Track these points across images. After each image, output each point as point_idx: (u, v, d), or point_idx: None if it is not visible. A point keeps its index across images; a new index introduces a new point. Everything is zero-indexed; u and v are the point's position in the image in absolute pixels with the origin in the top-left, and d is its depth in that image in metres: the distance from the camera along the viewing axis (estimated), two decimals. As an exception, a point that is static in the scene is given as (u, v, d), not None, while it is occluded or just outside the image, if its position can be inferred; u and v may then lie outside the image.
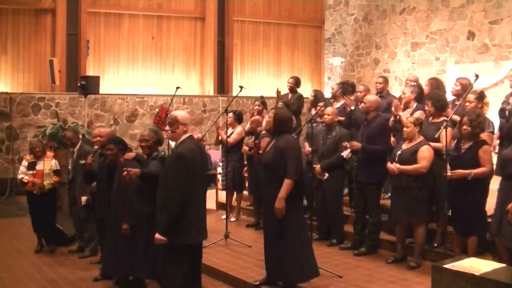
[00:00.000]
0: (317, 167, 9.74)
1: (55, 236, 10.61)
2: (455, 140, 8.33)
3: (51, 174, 10.33)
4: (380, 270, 8.51)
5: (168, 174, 6.45)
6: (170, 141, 7.08)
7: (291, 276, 7.37)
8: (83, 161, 8.97)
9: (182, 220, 6.40)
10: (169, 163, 6.60)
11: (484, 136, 8.15)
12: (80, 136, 10.90)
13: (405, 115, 9.30)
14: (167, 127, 6.74)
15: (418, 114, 9.22)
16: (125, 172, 7.10)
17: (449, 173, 7.83)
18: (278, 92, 13.61)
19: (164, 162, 7.02)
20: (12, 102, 16.51)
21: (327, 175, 9.77)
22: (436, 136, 8.11)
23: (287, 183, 7.19)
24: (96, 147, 8.89)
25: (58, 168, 10.43)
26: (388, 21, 18.16)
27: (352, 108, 10.80)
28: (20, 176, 10.41)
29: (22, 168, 10.47)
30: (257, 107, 12.36)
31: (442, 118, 8.65)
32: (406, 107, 9.90)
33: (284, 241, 7.27)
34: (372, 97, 9.71)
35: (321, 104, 11.46)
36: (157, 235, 6.43)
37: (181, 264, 6.58)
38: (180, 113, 6.82)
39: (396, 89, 16.15)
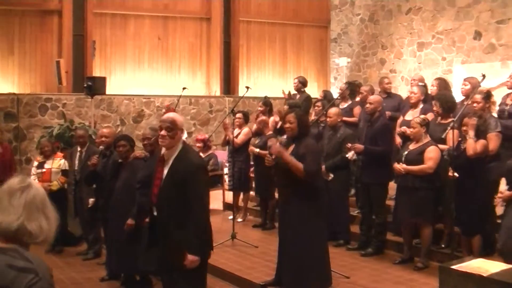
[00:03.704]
0: (322, 167, 9.74)
1: (63, 237, 10.64)
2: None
3: (59, 173, 10.40)
4: (387, 271, 8.51)
5: (191, 188, 5.56)
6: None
7: (309, 284, 7.31)
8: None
9: (205, 233, 5.76)
10: (190, 177, 5.59)
11: (492, 136, 8.14)
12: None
13: (412, 115, 9.29)
14: (163, 132, 5.67)
15: (428, 116, 9.18)
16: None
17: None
18: (289, 93, 13.64)
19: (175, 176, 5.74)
20: (19, 103, 16.53)
21: (331, 175, 9.76)
22: (443, 136, 8.10)
23: (300, 167, 7.11)
24: (101, 147, 8.93)
25: (67, 168, 10.49)
26: (394, 21, 18.12)
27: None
28: (32, 178, 10.48)
29: (33, 170, 10.64)
30: (259, 108, 12.41)
31: (450, 119, 8.62)
32: (413, 107, 9.88)
33: (303, 249, 7.21)
34: (376, 98, 9.70)
35: (318, 104, 11.47)
36: (191, 257, 5.48)
37: (204, 281, 6.01)
38: (178, 116, 5.99)
39: (402, 89, 16.13)
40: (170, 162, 5.72)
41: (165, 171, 5.72)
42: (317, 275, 7.29)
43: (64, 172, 10.49)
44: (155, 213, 5.84)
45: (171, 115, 5.97)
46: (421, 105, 9.81)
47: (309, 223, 7.17)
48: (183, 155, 5.76)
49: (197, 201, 5.62)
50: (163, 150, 5.82)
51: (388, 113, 10.57)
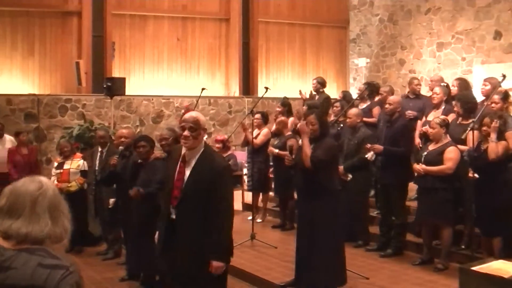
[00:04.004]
0: (340, 168, 9.71)
1: (83, 237, 10.70)
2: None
3: (77, 173, 10.45)
4: (406, 272, 8.48)
5: (218, 190, 5.34)
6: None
7: (325, 283, 7.30)
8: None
9: (230, 238, 5.57)
10: (217, 178, 5.37)
11: (510, 134, 8.07)
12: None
13: (434, 116, 9.24)
14: (186, 132, 5.38)
15: (450, 116, 9.12)
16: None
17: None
18: (310, 92, 13.63)
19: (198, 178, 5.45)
20: (40, 103, 16.64)
21: (350, 176, 9.72)
22: (463, 137, 8.06)
23: (307, 153, 7.18)
24: (121, 147, 8.96)
25: (86, 169, 10.54)
26: (413, 22, 18.05)
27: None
28: (52, 180, 10.59)
29: (52, 170, 10.73)
30: (278, 109, 12.42)
31: (470, 120, 8.55)
32: (435, 107, 9.83)
33: (320, 249, 7.21)
34: (396, 98, 9.67)
35: (337, 105, 11.46)
36: (217, 263, 5.28)
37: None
38: (201, 115, 5.66)
39: (422, 90, 16.00)
40: (193, 163, 5.46)
41: (187, 173, 5.45)
42: (333, 274, 7.30)
43: (83, 173, 10.55)
44: (173, 216, 5.51)
45: (193, 114, 5.66)
46: (443, 106, 9.75)
47: (326, 223, 7.17)
48: (207, 156, 5.52)
49: (224, 203, 5.40)
50: (183, 150, 5.52)
51: (413, 113, 10.53)
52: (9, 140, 12.92)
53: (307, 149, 7.21)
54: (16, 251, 2.72)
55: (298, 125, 8.18)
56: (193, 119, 5.45)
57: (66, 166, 10.54)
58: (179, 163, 5.54)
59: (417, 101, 11.11)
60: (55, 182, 10.47)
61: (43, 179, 2.94)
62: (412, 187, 9.63)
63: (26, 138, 11.85)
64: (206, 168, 5.40)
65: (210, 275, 5.31)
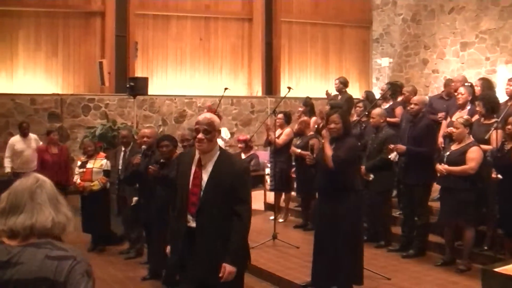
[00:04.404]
0: (362, 168, 9.67)
1: (105, 236, 10.76)
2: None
3: (100, 173, 10.51)
4: (428, 273, 8.42)
5: (239, 193, 5.13)
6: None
7: (343, 283, 7.26)
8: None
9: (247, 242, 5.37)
10: (239, 181, 5.15)
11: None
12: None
13: (459, 116, 9.17)
14: (201, 135, 5.09)
15: (476, 117, 9.05)
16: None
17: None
18: (328, 93, 13.60)
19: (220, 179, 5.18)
20: (63, 103, 16.76)
21: (372, 176, 9.67)
22: (486, 137, 8.00)
23: (328, 154, 7.12)
24: (143, 147, 8.97)
25: (109, 168, 10.59)
26: (437, 21, 17.97)
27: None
28: (75, 178, 10.69)
29: (76, 170, 10.80)
30: (300, 109, 12.39)
31: (493, 120, 8.48)
32: (460, 108, 9.76)
33: (339, 249, 7.17)
34: (420, 98, 9.61)
35: (360, 105, 11.44)
36: (229, 267, 5.01)
37: None
38: (215, 117, 5.37)
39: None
40: (210, 167, 5.17)
41: (205, 178, 5.16)
42: (352, 274, 7.25)
43: (105, 173, 10.60)
44: (192, 224, 5.19)
45: (207, 115, 5.34)
46: (468, 106, 9.67)
47: (347, 223, 7.12)
48: (225, 158, 5.27)
49: (245, 206, 5.18)
50: (197, 155, 5.24)
51: (442, 114, 10.49)
52: (34, 139, 13.02)
53: (328, 151, 7.18)
54: (22, 247, 2.77)
55: (312, 147, 8.13)
56: (208, 120, 5.17)
57: (89, 165, 10.60)
58: (193, 168, 5.24)
59: (451, 103, 11.02)
60: (78, 180, 10.57)
61: (38, 175, 3.02)
62: (436, 187, 9.56)
63: (57, 137, 11.89)
64: (226, 171, 5.15)
65: (229, 283, 5.05)
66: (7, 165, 12.88)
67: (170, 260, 5.60)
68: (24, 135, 13.16)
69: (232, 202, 5.10)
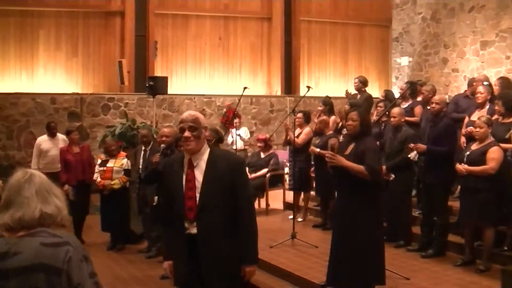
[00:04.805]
0: (383, 167, 9.62)
1: (125, 235, 10.80)
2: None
3: (121, 172, 10.56)
4: (447, 273, 8.36)
5: (240, 188, 4.88)
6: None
7: (363, 283, 7.22)
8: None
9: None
10: (238, 176, 4.94)
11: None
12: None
13: (478, 116, 9.12)
14: (187, 133, 4.79)
15: (495, 116, 8.99)
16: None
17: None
18: (347, 93, 13.56)
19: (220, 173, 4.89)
20: (83, 102, 16.86)
21: (393, 176, 9.62)
22: (507, 136, 7.95)
23: (361, 170, 6.90)
24: (162, 145, 8.99)
25: (129, 168, 10.63)
26: (457, 20, 17.86)
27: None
28: (95, 176, 10.74)
29: (96, 168, 10.84)
30: (319, 108, 12.36)
31: (512, 119, 8.44)
32: (479, 107, 9.70)
33: (359, 248, 7.11)
34: (442, 98, 9.55)
35: (381, 105, 11.39)
36: (250, 267, 4.89)
37: None
38: (199, 114, 5.03)
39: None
40: (203, 165, 4.86)
41: (199, 178, 4.85)
42: (372, 274, 7.20)
43: (126, 172, 10.64)
44: (192, 231, 4.86)
45: (191, 112, 5.01)
46: (487, 105, 9.60)
47: (366, 221, 7.07)
48: (218, 154, 5.01)
49: (248, 201, 5.01)
50: (186, 157, 4.91)
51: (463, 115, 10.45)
52: (62, 139, 12.94)
53: (356, 167, 7.02)
54: (19, 238, 2.92)
55: (332, 146, 7.98)
56: (192, 117, 4.87)
57: (109, 164, 10.65)
58: (185, 171, 4.90)
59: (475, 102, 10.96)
60: (98, 179, 10.62)
61: (27, 169, 3.14)
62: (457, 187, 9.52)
63: (78, 137, 11.89)
64: (222, 166, 4.86)
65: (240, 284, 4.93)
66: (33, 165, 12.90)
67: (178, 277, 5.07)
68: (52, 135, 13.06)
69: (233, 198, 4.85)
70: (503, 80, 10.28)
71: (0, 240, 2.95)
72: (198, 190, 4.83)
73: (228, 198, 4.82)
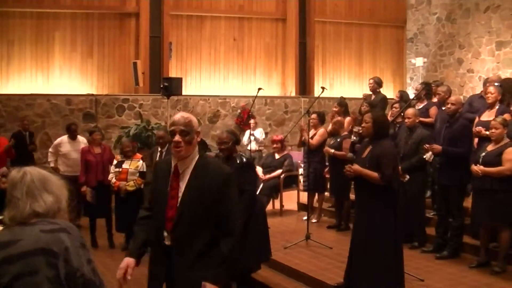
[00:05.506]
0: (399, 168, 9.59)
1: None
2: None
3: (136, 174, 10.58)
4: (462, 275, 8.33)
5: (224, 203, 4.46)
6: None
7: (380, 286, 7.19)
8: None
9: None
10: (223, 189, 4.48)
11: None
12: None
13: (488, 116, 9.09)
14: (177, 138, 4.43)
15: (505, 116, 8.95)
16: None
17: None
18: (365, 96, 13.58)
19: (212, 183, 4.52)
20: (98, 103, 16.91)
21: (407, 177, 9.58)
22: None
23: (375, 177, 6.93)
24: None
25: (145, 170, 10.64)
26: (472, 20, 17.79)
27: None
28: (110, 177, 10.76)
29: (111, 168, 10.87)
30: (334, 109, 12.34)
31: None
32: (490, 107, 9.66)
33: (377, 251, 7.09)
34: (458, 98, 9.51)
35: (396, 106, 11.36)
36: (210, 286, 4.38)
37: None
38: (193, 117, 4.64)
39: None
40: (187, 175, 4.52)
41: (182, 187, 4.50)
42: (390, 277, 7.17)
43: (141, 174, 10.65)
44: (167, 242, 4.55)
45: (184, 114, 4.59)
46: (497, 106, 9.56)
47: (384, 224, 7.05)
48: (205, 163, 4.59)
49: (233, 224, 4.56)
50: (174, 162, 4.59)
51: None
52: (82, 141, 12.88)
53: (371, 174, 7.01)
54: (20, 227, 3.16)
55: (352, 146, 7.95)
56: (185, 120, 4.48)
57: (125, 166, 10.66)
58: (170, 176, 4.58)
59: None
60: (113, 180, 10.64)
61: (24, 168, 3.30)
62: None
63: (99, 137, 11.84)
64: (207, 177, 4.48)
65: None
66: (50, 158, 12.93)
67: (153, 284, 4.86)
68: (73, 137, 12.96)
69: (217, 216, 4.47)
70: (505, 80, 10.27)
71: (4, 229, 3.20)
72: (179, 201, 4.50)
73: (209, 214, 4.45)
